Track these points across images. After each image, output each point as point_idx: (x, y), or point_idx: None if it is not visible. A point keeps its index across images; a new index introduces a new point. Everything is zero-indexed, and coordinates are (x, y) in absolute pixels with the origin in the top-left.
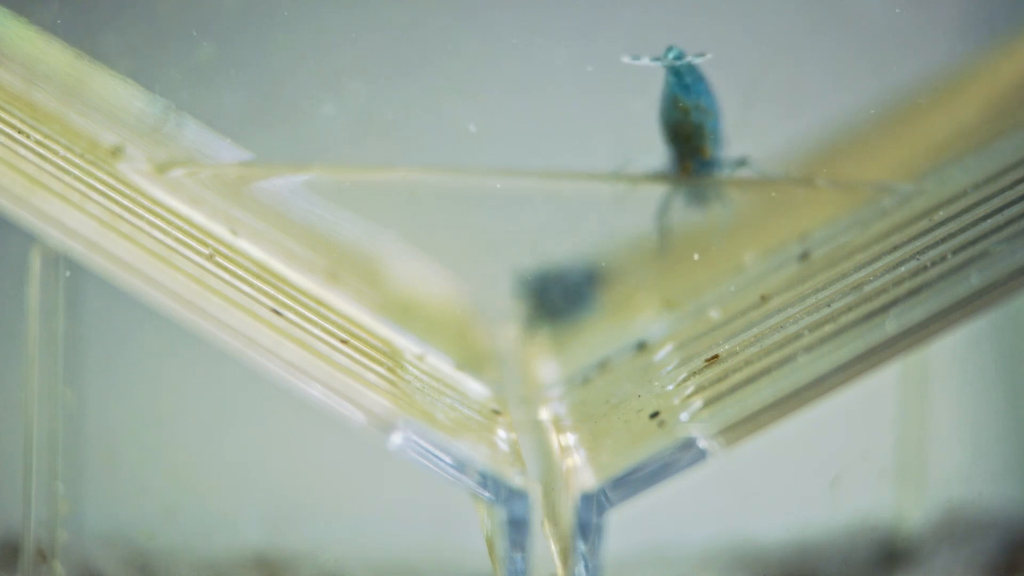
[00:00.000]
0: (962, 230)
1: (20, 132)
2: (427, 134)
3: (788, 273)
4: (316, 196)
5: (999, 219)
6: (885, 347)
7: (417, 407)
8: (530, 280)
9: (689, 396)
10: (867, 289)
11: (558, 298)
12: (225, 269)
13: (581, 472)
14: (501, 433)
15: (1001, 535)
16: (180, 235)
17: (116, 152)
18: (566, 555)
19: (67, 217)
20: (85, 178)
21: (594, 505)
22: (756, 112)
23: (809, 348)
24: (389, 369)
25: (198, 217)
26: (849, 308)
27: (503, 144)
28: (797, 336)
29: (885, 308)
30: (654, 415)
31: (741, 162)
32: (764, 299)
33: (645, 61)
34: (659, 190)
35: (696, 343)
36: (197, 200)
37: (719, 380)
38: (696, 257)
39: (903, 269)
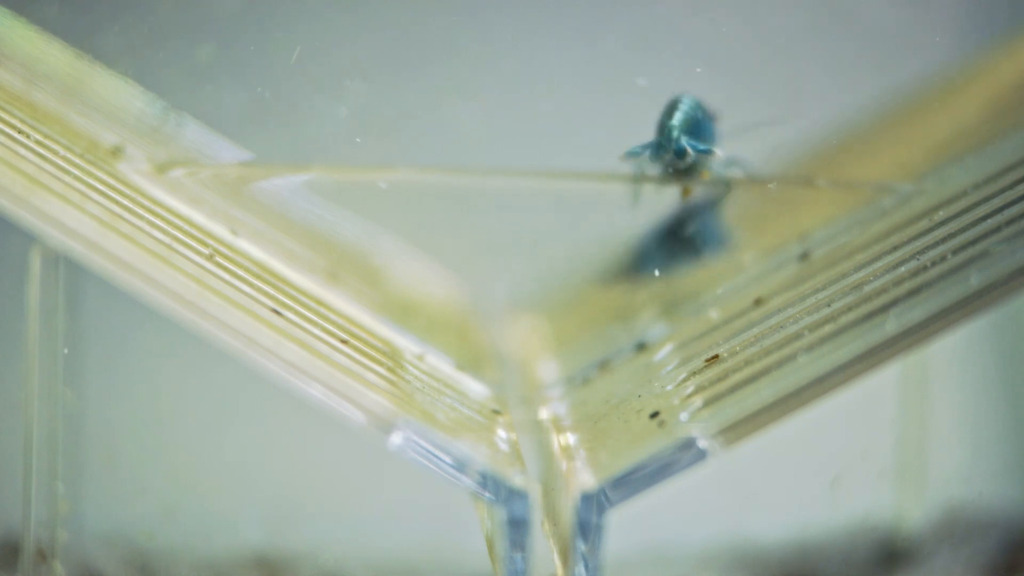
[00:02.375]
0: (962, 230)
1: (20, 132)
2: (427, 134)
3: (788, 273)
4: (316, 196)
5: (999, 219)
6: (885, 347)
7: (417, 407)
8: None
9: (689, 396)
10: (867, 289)
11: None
12: (225, 269)
13: (581, 472)
14: (501, 433)
15: (1001, 535)
16: (180, 235)
17: (116, 152)
18: (566, 555)
19: (67, 217)
20: (85, 178)
21: (594, 505)
22: (757, 111)
23: (809, 348)
24: (389, 369)
25: (198, 217)
26: (849, 308)
27: (503, 144)
28: (797, 336)
29: (885, 308)
30: (654, 415)
31: (731, 162)
32: (759, 302)
33: (645, 156)
34: (664, 191)
35: (696, 343)
36: (197, 200)
37: (719, 380)
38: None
39: (903, 269)
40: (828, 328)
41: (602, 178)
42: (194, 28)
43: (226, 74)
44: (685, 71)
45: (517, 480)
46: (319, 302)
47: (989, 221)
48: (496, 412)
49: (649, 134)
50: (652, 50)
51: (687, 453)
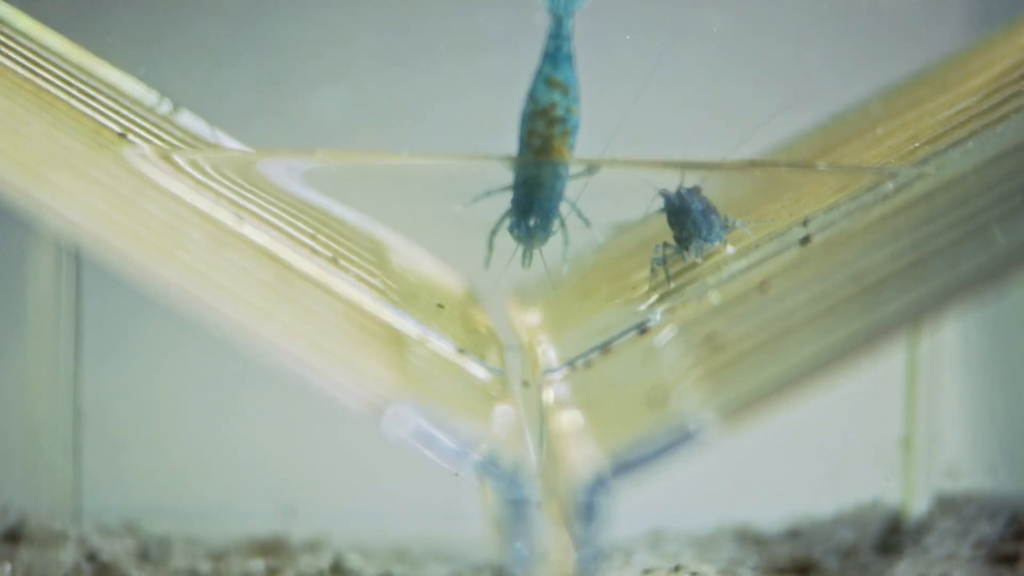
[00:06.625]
0: (963, 215)
1: (23, 119)
2: (431, 121)
3: (789, 257)
4: (320, 182)
5: (1000, 205)
6: (887, 331)
7: (418, 391)
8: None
9: (692, 380)
10: (868, 273)
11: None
12: (229, 257)
13: (583, 455)
14: (503, 417)
15: (1006, 522)
16: (184, 222)
17: (120, 138)
18: (568, 539)
19: (70, 204)
20: (89, 165)
21: (596, 489)
22: (760, 98)
23: (812, 332)
24: (391, 353)
25: (202, 203)
26: (850, 292)
27: (506, 131)
28: (800, 319)
29: (887, 292)
30: (657, 399)
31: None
32: (763, 285)
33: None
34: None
35: (698, 327)
36: (201, 186)
37: (722, 364)
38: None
39: (904, 253)
40: (830, 312)
41: (604, 163)
42: (199, 13)
43: (231, 59)
44: (691, 59)
45: (519, 464)
46: (321, 287)
47: (990, 207)
48: (498, 396)
49: (645, 120)
50: (656, 37)
51: (689, 437)
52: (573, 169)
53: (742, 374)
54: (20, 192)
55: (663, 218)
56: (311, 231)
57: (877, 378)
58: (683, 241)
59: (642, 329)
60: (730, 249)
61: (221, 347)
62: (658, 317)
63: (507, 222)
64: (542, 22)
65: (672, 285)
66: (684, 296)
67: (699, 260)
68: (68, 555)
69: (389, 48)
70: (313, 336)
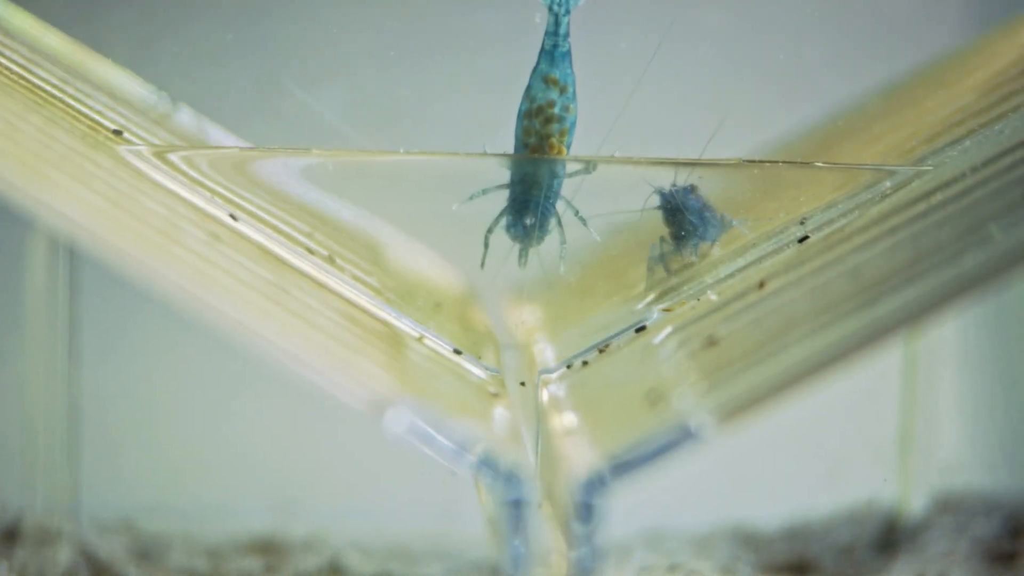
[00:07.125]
0: (960, 213)
1: (19, 116)
2: (430, 120)
3: (786, 256)
4: (316, 180)
5: (998, 203)
6: (883, 329)
7: (415, 390)
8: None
9: (689, 379)
10: (865, 271)
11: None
12: (224, 254)
13: (580, 455)
14: (500, 416)
15: (1003, 520)
16: (180, 219)
17: (116, 135)
18: (566, 538)
19: (67, 201)
20: (85, 162)
21: (594, 488)
22: (758, 97)
23: (808, 330)
24: (388, 352)
25: (198, 201)
26: (848, 290)
27: (504, 129)
28: (796, 318)
29: (883, 290)
30: (654, 398)
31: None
32: (761, 284)
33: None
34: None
35: (696, 326)
36: (197, 184)
37: (719, 363)
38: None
39: (902, 251)
40: (826, 310)
41: (601, 162)
42: (196, 10)
43: (228, 57)
44: (689, 58)
45: (516, 463)
46: (319, 285)
47: (988, 205)
48: (495, 395)
49: (645, 117)
50: (654, 35)
51: (686, 436)
52: (570, 167)
53: (740, 372)
54: (16, 189)
55: (659, 216)
56: (308, 229)
57: (874, 376)
58: (679, 240)
59: (639, 328)
60: (716, 251)
61: (219, 345)
62: (655, 316)
63: (503, 221)
64: (540, 21)
65: (670, 283)
66: (681, 295)
67: (695, 259)
68: (65, 554)
69: (389, 48)
70: (311, 334)
